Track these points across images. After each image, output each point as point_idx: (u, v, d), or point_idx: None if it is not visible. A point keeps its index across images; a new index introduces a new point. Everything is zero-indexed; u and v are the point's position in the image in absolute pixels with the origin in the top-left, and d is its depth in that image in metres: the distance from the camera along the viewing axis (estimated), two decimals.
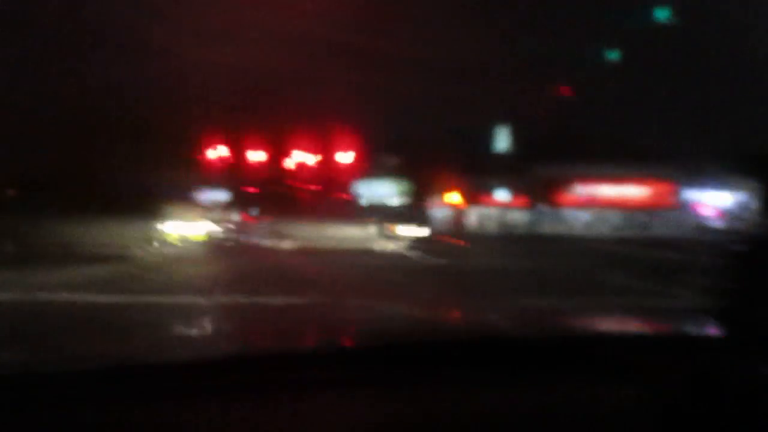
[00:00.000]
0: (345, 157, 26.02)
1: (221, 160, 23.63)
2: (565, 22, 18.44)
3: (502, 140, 29.83)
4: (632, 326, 1.96)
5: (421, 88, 22.28)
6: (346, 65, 18.68)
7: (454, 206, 32.86)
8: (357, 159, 24.99)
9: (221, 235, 15.22)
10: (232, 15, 15.35)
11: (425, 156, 28.70)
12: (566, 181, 31.90)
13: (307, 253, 13.26)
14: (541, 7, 17.21)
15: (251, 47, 16.63)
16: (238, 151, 22.99)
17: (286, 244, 14.39)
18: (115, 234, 11.27)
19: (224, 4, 15.10)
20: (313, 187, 24.57)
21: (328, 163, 25.57)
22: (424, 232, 17.53)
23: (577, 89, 24.29)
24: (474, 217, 33.05)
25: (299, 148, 23.08)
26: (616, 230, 28.86)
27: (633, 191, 31.13)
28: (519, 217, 32.66)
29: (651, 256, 15.44)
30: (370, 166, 29.89)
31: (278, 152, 23.41)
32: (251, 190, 21.47)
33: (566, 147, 27.73)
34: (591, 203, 32.31)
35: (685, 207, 32.10)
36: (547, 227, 31.53)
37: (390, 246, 14.88)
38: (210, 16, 14.85)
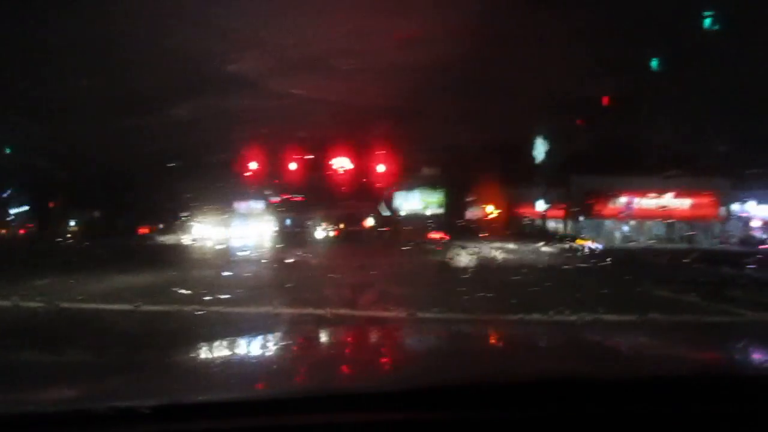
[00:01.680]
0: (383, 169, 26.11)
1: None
2: (606, 31, 18.17)
3: (542, 151, 29.58)
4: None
5: (462, 101, 22.27)
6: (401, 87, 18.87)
7: (493, 217, 32.68)
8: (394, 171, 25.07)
9: None
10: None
11: (464, 167, 28.62)
12: (607, 193, 31.45)
13: None
14: (582, 15, 16.98)
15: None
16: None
17: None
18: None
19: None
20: None
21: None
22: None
23: (618, 99, 23.94)
24: (514, 227, 32.81)
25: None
26: (659, 242, 28.30)
27: (676, 203, 30.51)
28: (558, 228, 32.29)
29: (696, 269, 15.06)
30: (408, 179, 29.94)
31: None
32: None
33: (607, 158, 27.35)
34: (632, 215, 31.77)
35: (730, 219, 31.30)
36: (589, 239, 31.15)
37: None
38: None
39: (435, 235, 26.39)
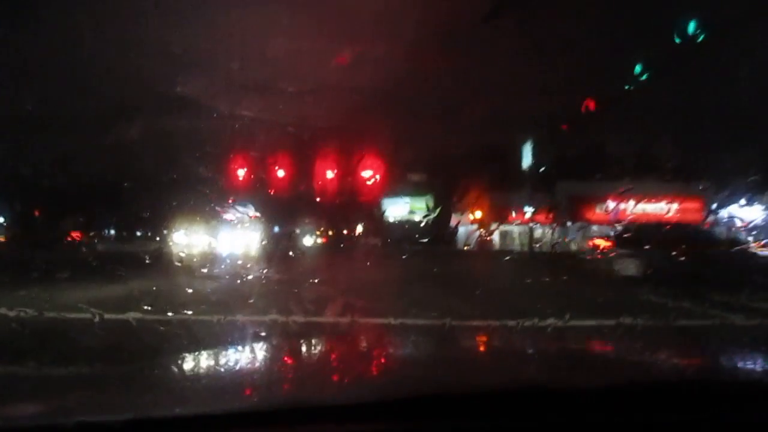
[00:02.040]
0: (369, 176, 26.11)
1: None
2: (592, 40, 18.33)
3: (527, 156, 29.72)
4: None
5: (447, 105, 22.37)
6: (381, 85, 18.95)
7: (479, 223, 32.75)
8: (382, 178, 25.07)
9: None
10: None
11: (451, 173, 28.70)
12: (593, 198, 31.61)
13: None
14: (569, 24, 17.12)
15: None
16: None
17: None
18: None
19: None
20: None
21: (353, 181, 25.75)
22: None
23: (602, 105, 24.11)
24: (499, 234, 32.90)
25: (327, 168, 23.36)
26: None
27: (662, 207, 30.71)
28: (545, 234, 32.42)
29: (683, 273, 15.14)
30: (396, 184, 29.96)
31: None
32: None
33: (593, 163, 27.52)
34: (619, 220, 31.93)
35: (715, 222, 31.55)
36: (574, 244, 31.23)
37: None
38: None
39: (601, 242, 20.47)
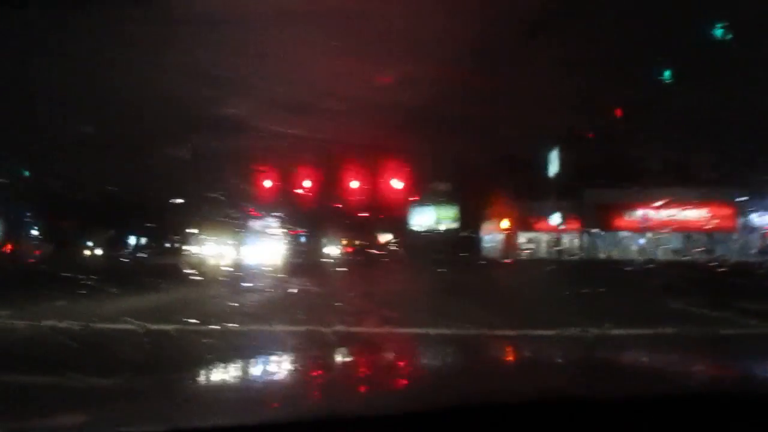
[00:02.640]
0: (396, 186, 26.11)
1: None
2: (617, 44, 18.13)
3: (554, 164, 29.43)
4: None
5: (474, 116, 22.33)
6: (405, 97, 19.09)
7: (506, 232, 32.52)
8: (408, 188, 25.08)
9: None
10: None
11: (477, 183, 28.59)
12: (621, 205, 31.16)
13: None
14: (597, 34, 16.98)
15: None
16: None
17: None
18: None
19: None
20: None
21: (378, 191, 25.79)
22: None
23: (629, 111, 23.82)
24: (526, 242, 32.59)
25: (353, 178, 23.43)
26: (675, 255, 27.95)
27: (692, 214, 30.16)
28: (572, 242, 32.04)
29: (713, 281, 14.81)
30: (421, 194, 29.94)
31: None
32: None
33: (620, 170, 27.14)
34: (647, 227, 31.41)
35: (747, 230, 30.86)
36: (602, 252, 30.81)
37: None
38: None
39: None
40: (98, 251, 28.22)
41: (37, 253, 26.41)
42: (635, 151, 26.98)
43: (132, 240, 29.53)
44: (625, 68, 19.91)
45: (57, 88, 16.15)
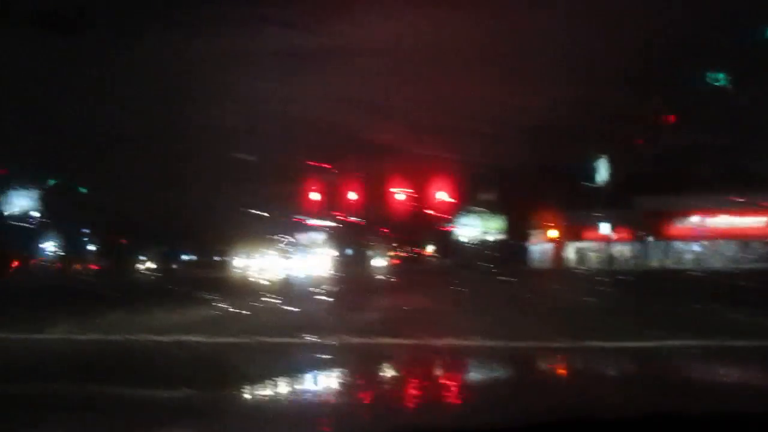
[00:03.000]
0: (441, 197, 26.08)
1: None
2: (668, 48, 17.75)
3: (603, 172, 28.85)
4: None
5: (522, 125, 22.19)
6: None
7: (553, 241, 31.98)
8: (454, 198, 25.02)
9: None
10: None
11: (524, 192, 28.28)
12: (674, 212, 30.28)
13: None
14: (642, 33, 16.66)
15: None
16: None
17: None
18: None
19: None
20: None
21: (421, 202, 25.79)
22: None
23: (682, 116, 23.25)
24: (575, 252, 31.98)
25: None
26: (731, 263, 26.97)
27: (749, 221, 29.08)
28: (623, 251, 31.25)
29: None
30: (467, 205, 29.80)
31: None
32: None
33: (672, 177, 26.42)
34: (703, 235, 30.42)
35: None
36: (655, 261, 29.94)
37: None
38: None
39: None
40: (152, 265, 29.01)
41: (96, 267, 27.31)
42: (687, 157, 26.27)
43: (184, 256, 30.26)
44: (676, 72, 19.48)
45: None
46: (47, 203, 21.87)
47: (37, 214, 21.53)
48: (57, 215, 22.92)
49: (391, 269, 29.21)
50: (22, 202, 21.42)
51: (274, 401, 2.06)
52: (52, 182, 22.09)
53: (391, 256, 34.78)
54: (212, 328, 7.57)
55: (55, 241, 25.45)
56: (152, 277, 23.40)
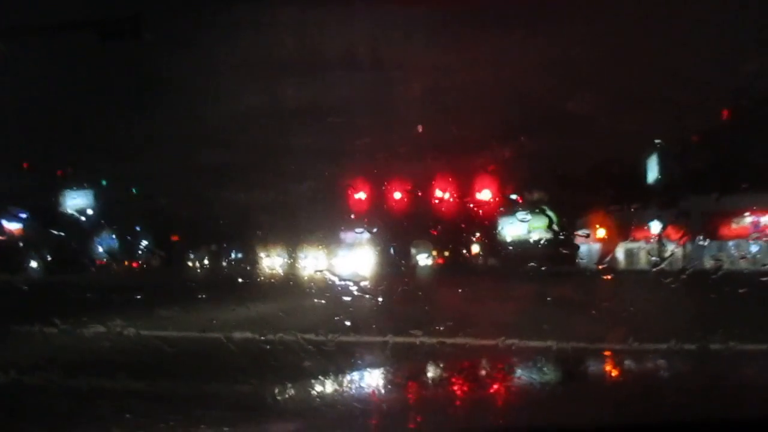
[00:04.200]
0: (486, 195, 25.87)
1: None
2: (721, 43, 17.13)
3: (654, 170, 28.07)
4: None
5: (568, 120, 21.79)
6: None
7: (602, 241, 31.29)
8: (499, 197, 24.75)
9: None
10: None
11: (571, 190, 27.79)
12: (730, 212, 29.26)
13: None
14: (694, 28, 16.11)
15: None
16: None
17: None
18: None
19: None
20: None
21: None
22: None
23: (737, 112, 22.45)
24: (625, 252, 31.23)
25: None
26: None
27: None
28: (676, 252, 30.32)
29: None
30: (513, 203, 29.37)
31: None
32: None
33: (728, 174, 25.56)
34: (760, 235, 29.30)
35: None
36: (709, 262, 28.96)
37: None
38: None
39: None
40: (203, 263, 29.60)
41: (149, 265, 28.06)
42: (744, 153, 25.37)
43: (232, 253, 30.81)
44: (731, 65, 18.80)
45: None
46: (101, 203, 22.53)
47: (91, 214, 22.18)
48: (111, 215, 23.58)
49: (436, 268, 29.13)
50: (77, 202, 22.12)
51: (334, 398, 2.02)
52: (104, 183, 22.76)
53: (435, 255, 34.63)
54: (262, 324, 7.65)
55: (109, 240, 26.25)
56: (202, 275, 23.89)
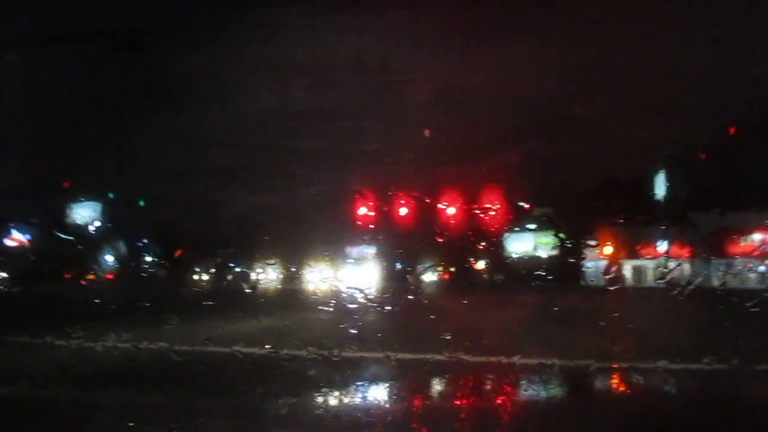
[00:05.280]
0: (491, 211, 25.85)
1: None
2: (740, 57, 17.12)
3: (661, 187, 27.99)
4: None
5: (573, 135, 21.76)
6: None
7: (609, 258, 31.15)
8: (505, 213, 24.73)
9: None
10: None
11: (578, 206, 27.73)
12: (737, 230, 29.11)
13: None
14: (715, 42, 16.09)
15: None
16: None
17: None
18: None
19: None
20: None
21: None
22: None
23: (743, 129, 22.41)
24: (632, 269, 31.07)
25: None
26: None
27: None
28: (683, 269, 30.15)
29: None
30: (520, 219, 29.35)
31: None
32: None
33: (735, 192, 25.45)
34: None
35: None
36: (717, 280, 28.76)
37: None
38: None
39: None
40: (208, 276, 29.61)
41: (153, 278, 28.07)
42: (751, 171, 25.27)
43: (237, 267, 30.82)
44: (738, 82, 18.76)
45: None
46: (108, 216, 22.62)
47: (98, 226, 22.28)
48: (117, 227, 23.65)
49: (441, 284, 29.02)
50: (84, 214, 22.22)
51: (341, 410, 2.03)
52: (111, 195, 22.89)
53: (441, 271, 34.51)
54: (270, 339, 7.64)
55: (115, 253, 26.34)
56: (207, 287, 23.89)
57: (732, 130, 23.07)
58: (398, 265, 34.01)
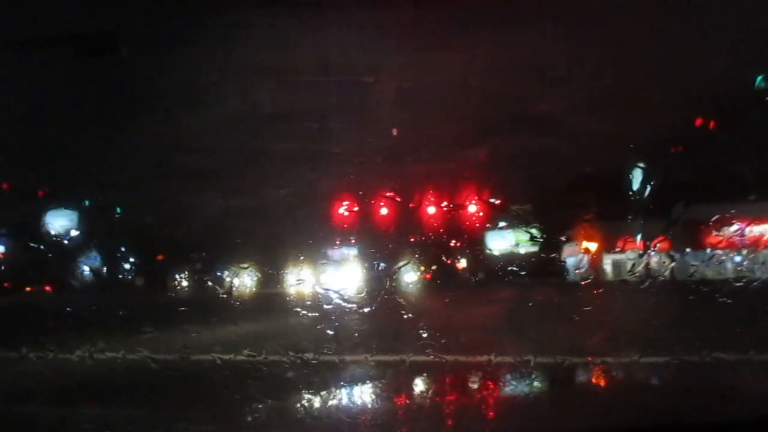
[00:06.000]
0: (471, 209, 25.94)
1: None
2: (707, 49, 17.33)
3: (639, 180, 28.27)
4: None
5: (551, 131, 21.90)
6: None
7: (588, 253, 31.40)
8: (485, 210, 24.81)
9: None
10: None
11: (556, 202, 27.91)
12: (714, 221, 29.49)
13: None
14: (680, 33, 16.26)
15: None
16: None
17: None
18: None
19: None
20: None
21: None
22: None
23: (721, 121, 22.73)
24: (612, 264, 31.35)
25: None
26: None
27: None
28: (660, 262, 30.46)
29: None
30: (499, 216, 29.44)
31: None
32: None
33: (712, 184, 25.79)
34: (744, 244, 29.54)
35: None
36: (693, 272, 29.10)
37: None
38: None
39: None
40: (183, 282, 29.36)
41: (133, 285, 27.78)
42: (728, 163, 25.65)
43: (217, 272, 30.61)
44: (715, 74, 19.00)
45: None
46: (85, 223, 22.31)
47: (75, 234, 21.96)
48: (94, 235, 23.35)
49: (423, 283, 29.05)
50: (61, 222, 21.89)
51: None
52: (87, 203, 22.59)
53: (423, 271, 34.52)
54: (248, 344, 7.56)
55: (93, 261, 25.99)
56: (182, 293, 23.71)
57: (698, 122, 23.39)
58: (376, 266, 33.98)
